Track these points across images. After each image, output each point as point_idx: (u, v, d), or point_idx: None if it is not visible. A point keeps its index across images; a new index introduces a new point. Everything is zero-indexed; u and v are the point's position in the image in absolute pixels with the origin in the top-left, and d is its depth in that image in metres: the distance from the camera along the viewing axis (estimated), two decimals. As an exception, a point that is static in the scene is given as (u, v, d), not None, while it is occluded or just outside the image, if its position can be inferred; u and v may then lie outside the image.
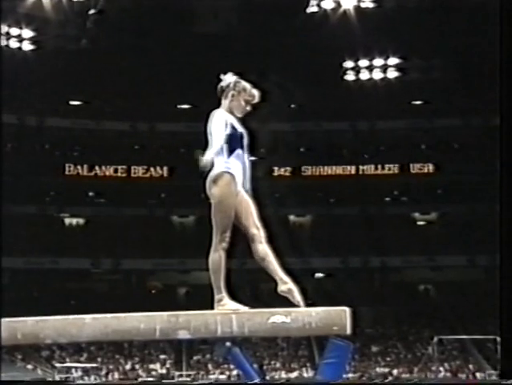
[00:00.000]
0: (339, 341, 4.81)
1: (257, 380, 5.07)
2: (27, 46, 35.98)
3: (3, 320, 5.45)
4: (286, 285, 5.02)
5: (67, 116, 38.65)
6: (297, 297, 4.95)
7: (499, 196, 8.15)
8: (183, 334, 5.10)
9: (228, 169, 5.10)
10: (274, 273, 5.10)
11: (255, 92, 5.32)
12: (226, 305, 5.04)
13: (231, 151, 5.15)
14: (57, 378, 28.47)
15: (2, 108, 37.05)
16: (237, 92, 5.28)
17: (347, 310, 4.77)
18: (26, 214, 37.69)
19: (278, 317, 4.83)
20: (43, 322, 5.34)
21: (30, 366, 31.30)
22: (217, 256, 5.13)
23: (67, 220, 40.95)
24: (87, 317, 5.33)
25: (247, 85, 5.31)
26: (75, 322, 5.28)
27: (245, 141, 5.30)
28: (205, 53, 37.04)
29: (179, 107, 41.05)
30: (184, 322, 5.10)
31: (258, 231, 5.21)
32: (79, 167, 39.91)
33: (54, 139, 39.42)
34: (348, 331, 4.72)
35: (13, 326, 5.39)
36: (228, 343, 5.18)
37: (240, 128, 5.29)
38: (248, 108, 5.32)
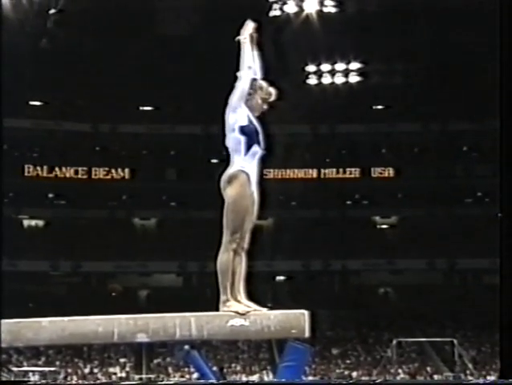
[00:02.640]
0: (298, 344, 4.82)
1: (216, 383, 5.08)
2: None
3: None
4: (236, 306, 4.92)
5: (27, 117, 38.17)
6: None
7: (500, 198, 8.21)
8: (141, 338, 5.07)
9: (243, 168, 4.99)
10: (232, 287, 5.01)
11: (272, 90, 5.28)
12: (232, 306, 4.91)
13: (248, 148, 5.04)
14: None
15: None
16: (254, 91, 5.22)
17: (306, 313, 4.79)
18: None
19: (236, 320, 4.83)
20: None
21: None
22: (225, 256, 5.02)
23: (26, 222, 40.42)
24: (44, 320, 5.28)
25: (264, 83, 5.26)
26: (32, 325, 5.22)
27: (261, 139, 5.23)
28: (167, 54, 36.96)
29: (141, 108, 40.84)
30: (142, 325, 5.08)
31: (245, 239, 5.10)
32: (38, 168, 39.43)
33: (13, 139, 38.86)
34: (307, 334, 4.74)
35: None
36: (186, 346, 5.17)
37: (257, 125, 5.23)
38: (265, 107, 5.27)
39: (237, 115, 5.02)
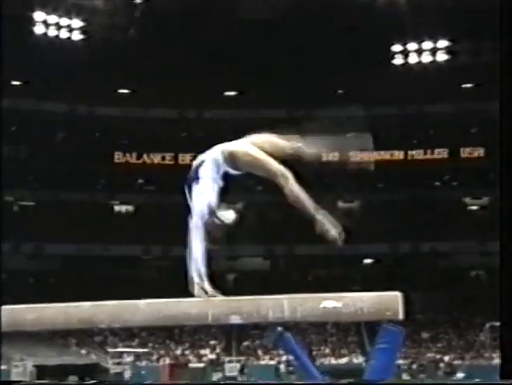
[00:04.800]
0: (392, 326, 4.79)
1: (311, 366, 5.11)
2: (77, 36, 36.52)
3: (59, 305, 5.57)
4: None
5: (117, 105, 39.11)
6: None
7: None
8: (235, 319, 5.14)
9: None
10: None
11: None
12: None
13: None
14: (110, 362, 28.95)
15: (54, 97, 37.73)
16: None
17: (400, 295, 4.75)
18: (77, 201, 38.38)
19: (329, 302, 4.84)
20: (98, 307, 5.44)
21: (83, 351, 31.93)
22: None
23: (117, 208, 41.51)
24: (141, 302, 5.42)
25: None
26: (129, 307, 5.37)
27: None
28: (253, 39, 37.04)
29: (225, 94, 41.14)
30: (235, 307, 5.15)
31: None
32: (127, 154, 40.38)
33: (104, 127, 39.91)
34: (401, 316, 4.70)
35: (69, 311, 5.50)
36: (279, 328, 5.22)
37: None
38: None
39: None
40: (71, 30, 36.14)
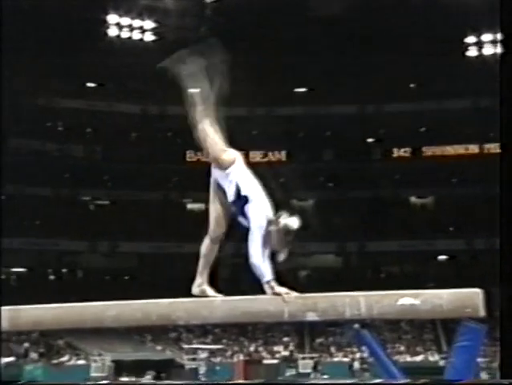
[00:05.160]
0: (472, 324, 4.70)
1: (390, 364, 5.06)
2: (149, 37, 37.13)
3: (138, 302, 5.68)
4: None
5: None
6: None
7: None
8: (311, 316, 5.14)
9: None
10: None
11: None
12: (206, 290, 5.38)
13: None
14: (185, 358, 29.33)
15: (127, 99, 38.45)
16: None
17: (480, 291, 4.66)
18: (151, 200, 39.05)
19: (407, 299, 4.79)
20: (176, 304, 5.53)
21: (159, 347, 32.46)
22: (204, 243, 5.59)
23: (190, 206, 42.02)
24: (218, 299, 5.48)
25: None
26: (207, 304, 5.44)
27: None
28: (321, 36, 36.86)
29: (295, 90, 41.11)
30: (311, 304, 5.15)
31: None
32: (199, 153, 40.80)
33: (175, 126, 40.44)
34: (482, 314, 4.61)
35: (147, 308, 5.61)
36: (356, 326, 5.19)
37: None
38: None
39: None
40: (143, 31, 36.75)
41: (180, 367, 28.11)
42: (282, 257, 5.40)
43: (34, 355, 28.49)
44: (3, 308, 5.61)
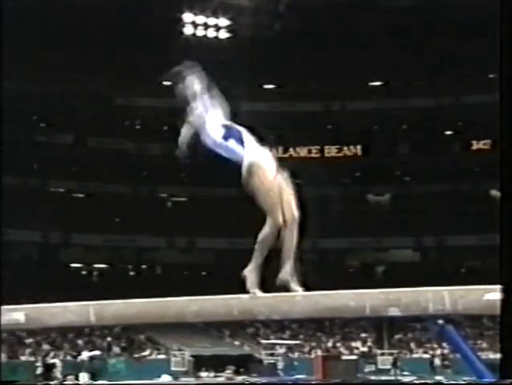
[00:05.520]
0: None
1: (477, 361, 4.93)
2: (224, 35, 37.41)
3: (219, 297, 5.73)
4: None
5: (263, 100, 39.67)
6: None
7: None
8: (393, 312, 5.07)
9: (254, 158, 5.44)
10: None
11: None
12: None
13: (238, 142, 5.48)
14: (263, 354, 29.46)
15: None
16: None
17: None
18: (226, 196, 39.38)
19: (493, 294, 4.66)
20: (257, 299, 5.55)
21: (237, 343, 32.70)
22: (265, 232, 5.64)
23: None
24: (298, 294, 5.47)
25: None
26: (287, 299, 5.44)
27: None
28: (396, 29, 36.31)
29: (370, 84, 40.66)
30: (394, 300, 5.07)
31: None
32: (273, 150, 40.87)
33: (250, 123, 40.65)
34: None
35: (229, 303, 5.65)
36: (440, 321, 5.08)
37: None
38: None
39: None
40: (218, 29, 37.04)
41: (258, 362, 28.27)
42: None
43: (116, 349, 29.18)
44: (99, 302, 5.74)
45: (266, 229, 5.54)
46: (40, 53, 34.40)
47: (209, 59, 32.39)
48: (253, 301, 5.52)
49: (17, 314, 5.83)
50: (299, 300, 5.41)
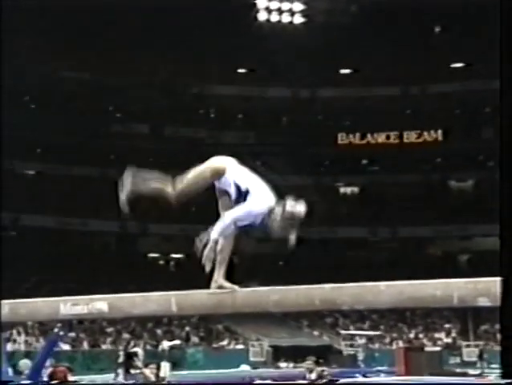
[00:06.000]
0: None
1: None
2: (298, 20, 37.29)
3: (301, 287, 5.72)
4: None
5: (338, 85, 39.40)
6: None
7: None
8: (483, 302, 4.96)
9: None
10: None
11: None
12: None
13: None
14: (342, 344, 29.38)
15: (278, 83, 38.82)
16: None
17: None
18: (303, 185, 39.32)
19: None
20: (340, 288, 5.52)
21: (316, 333, 32.72)
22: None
23: (342, 190, 41.90)
24: (382, 284, 5.41)
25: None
26: (372, 288, 5.38)
27: None
28: (476, 9, 35.38)
29: (452, 66, 39.79)
30: (483, 289, 4.96)
31: None
32: (351, 135, 40.57)
33: (326, 109, 40.42)
34: None
35: (311, 292, 5.64)
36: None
37: None
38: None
39: None
40: (292, 14, 36.93)
41: (338, 353, 28.21)
42: (292, 242, 5.45)
43: (194, 339, 29.63)
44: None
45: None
46: (116, 44, 35.07)
47: (283, 45, 32.35)
48: (336, 290, 5.49)
49: (100, 304, 5.98)
50: (383, 289, 5.34)
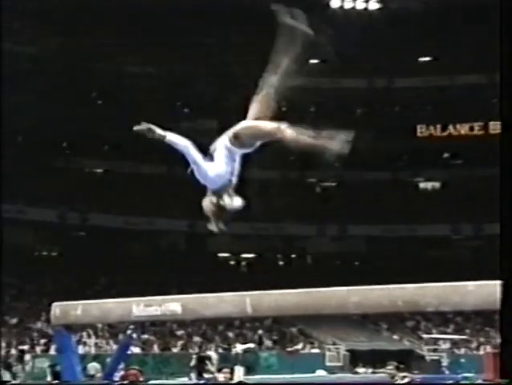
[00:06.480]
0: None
1: None
2: (373, 6, 36.93)
3: (383, 287, 5.67)
4: None
5: (417, 74, 38.83)
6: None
7: None
8: None
9: None
10: None
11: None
12: None
13: None
14: (425, 349, 28.94)
15: (352, 73, 38.54)
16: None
17: None
18: (380, 180, 38.96)
19: None
20: (424, 288, 5.45)
21: (395, 337, 32.36)
22: None
23: (422, 185, 41.33)
24: (470, 283, 5.32)
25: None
26: (458, 289, 5.31)
27: None
28: None
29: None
30: None
31: None
32: (431, 127, 39.93)
33: (404, 99, 39.89)
34: None
35: (393, 293, 5.58)
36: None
37: None
38: None
39: None
40: (367, 0, 36.60)
41: (420, 359, 27.83)
42: (212, 227, 5.59)
43: (268, 342, 29.72)
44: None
45: None
46: (181, 35, 35.43)
47: (358, 33, 32.02)
48: (420, 291, 5.43)
49: (173, 305, 6.05)
50: (472, 290, 5.26)
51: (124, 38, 35.10)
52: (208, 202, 5.45)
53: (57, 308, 6.41)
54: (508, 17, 4.72)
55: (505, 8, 4.81)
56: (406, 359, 25.31)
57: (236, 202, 5.53)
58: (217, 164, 5.42)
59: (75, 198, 35.22)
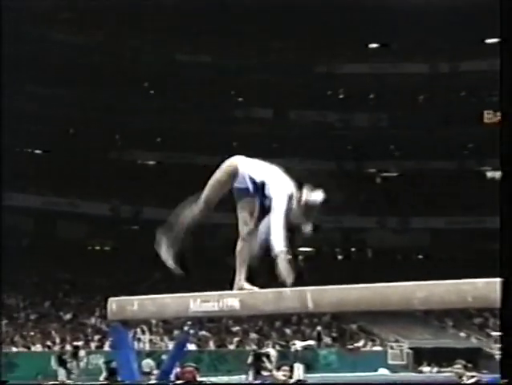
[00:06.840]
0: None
1: None
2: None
3: (448, 282, 5.61)
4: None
5: (484, 58, 38.14)
6: None
7: None
8: None
9: None
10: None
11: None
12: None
13: None
14: (493, 348, 28.55)
15: (413, 57, 38.05)
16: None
17: None
18: (444, 170, 38.51)
19: None
20: (494, 284, 5.35)
21: (462, 334, 31.99)
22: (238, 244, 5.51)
23: (489, 174, 40.72)
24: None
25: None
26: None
27: None
28: None
29: None
30: None
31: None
32: (499, 113, 39.24)
33: (470, 84, 39.26)
34: None
35: (461, 288, 5.51)
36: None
37: None
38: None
39: None
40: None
41: (489, 357, 27.46)
42: (307, 229, 5.50)
43: (327, 340, 29.68)
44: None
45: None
46: (233, 24, 35.47)
47: (419, 15, 31.60)
48: (491, 286, 5.34)
49: (231, 300, 6.07)
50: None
51: (175, 27, 35.33)
52: (293, 210, 5.47)
53: (113, 303, 6.46)
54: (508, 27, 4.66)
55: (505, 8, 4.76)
56: (474, 358, 25.03)
57: (318, 196, 5.62)
58: (269, 183, 5.50)
59: (128, 191, 35.66)
